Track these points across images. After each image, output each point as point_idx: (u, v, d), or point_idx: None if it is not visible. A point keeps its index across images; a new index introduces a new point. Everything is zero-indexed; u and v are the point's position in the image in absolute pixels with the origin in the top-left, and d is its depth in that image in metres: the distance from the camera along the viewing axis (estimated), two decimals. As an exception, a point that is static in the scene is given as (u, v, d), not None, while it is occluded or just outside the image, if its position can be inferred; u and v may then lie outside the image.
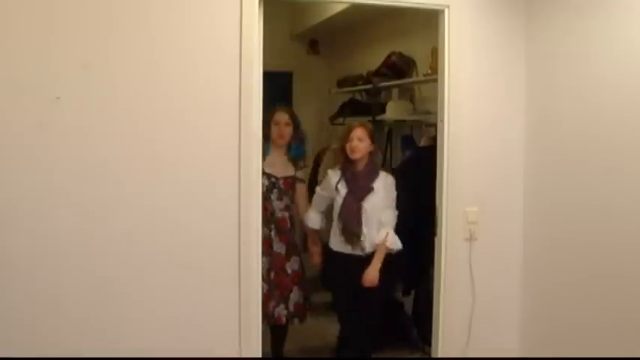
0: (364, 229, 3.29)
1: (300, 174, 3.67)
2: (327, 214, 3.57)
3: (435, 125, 3.36)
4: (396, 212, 3.34)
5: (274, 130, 3.56)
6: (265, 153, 3.25)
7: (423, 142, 3.92)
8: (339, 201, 3.38)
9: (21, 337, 2.60)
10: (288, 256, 3.59)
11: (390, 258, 3.32)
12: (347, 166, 3.40)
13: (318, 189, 3.59)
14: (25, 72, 2.56)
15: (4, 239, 2.57)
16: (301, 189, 3.67)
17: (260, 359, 2.59)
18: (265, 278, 3.36)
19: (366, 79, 4.74)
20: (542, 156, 3.21)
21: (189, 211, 2.79)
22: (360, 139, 3.30)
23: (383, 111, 4.41)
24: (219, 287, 2.85)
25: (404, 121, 4.31)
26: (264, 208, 3.21)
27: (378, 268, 3.26)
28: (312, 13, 5.17)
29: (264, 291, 3.26)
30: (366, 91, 4.92)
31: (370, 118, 4.62)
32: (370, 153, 3.39)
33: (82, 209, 2.64)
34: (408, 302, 4.15)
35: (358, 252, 3.32)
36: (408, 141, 4.29)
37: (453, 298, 3.20)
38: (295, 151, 3.65)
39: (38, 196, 2.59)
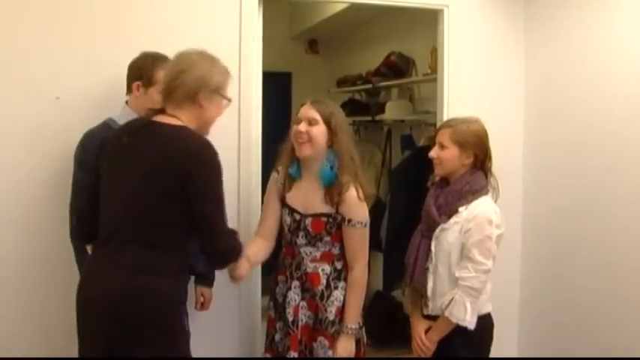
0: (429, 282, 2.38)
1: (351, 211, 2.32)
2: None
3: (434, 125, 3.37)
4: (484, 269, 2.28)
5: (292, 133, 2.36)
6: (293, 175, 2.42)
7: (422, 142, 3.92)
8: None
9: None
10: (314, 333, 2.37)
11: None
12: (442, 181, 2.46)
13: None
14: (25, 72, 2.56)
15: (5, 238, 2.57)
16: (352, 235, 2.36)
17: (259, 359, 2.59)
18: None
19: (366, 78, 4.74)
20: (541, 154, 3.22)
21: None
22: None
23: (382, 111, 4.41)
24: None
25: (403, 120, 4.32)
26: (289, 253, 2.46)
27: (435, 340, 2.37)
28: (311, 12, 5.17)
29: None
30: (366, 90, 4.93)
31: (370, 118, 4.64)
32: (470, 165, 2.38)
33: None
34: (408, 302, 4.15)
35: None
36: (408, 141, 4.29)
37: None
38: (325, 174, 2.34)
39: (37, 196, 2.59)
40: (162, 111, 2.04)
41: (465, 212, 2.30)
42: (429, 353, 2.37)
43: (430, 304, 2.38)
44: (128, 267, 1.90)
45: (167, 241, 1.95)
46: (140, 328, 1.89)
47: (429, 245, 2.36)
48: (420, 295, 2.43)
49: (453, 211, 2.32)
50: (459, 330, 2.29)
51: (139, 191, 1.93)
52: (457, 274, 2.28)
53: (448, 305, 2.28)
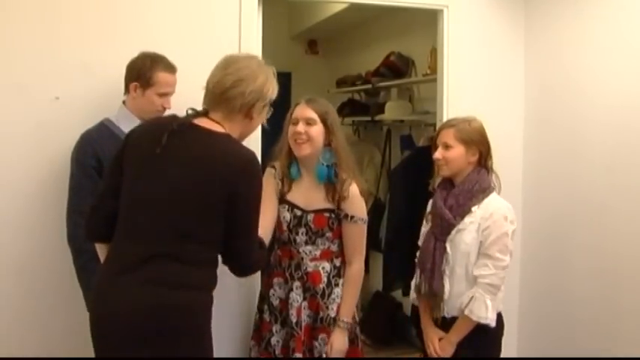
0: (446, 284, 2.35)
1: (353, 207, 2.36)
2: None
3: (433, 125, 3.37)
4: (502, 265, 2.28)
5: (290, 134, 2.37)
6: (293, 176, 2.42)
7: (421, 142, 3.92)
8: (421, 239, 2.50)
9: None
10: (315, 331, 2.38)
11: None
12: (446, 183, 2.46)
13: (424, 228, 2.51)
14: (24, 72, 2.56)
15: (4, 239, 2.57)
16: (352, 231, 2.39)
17: (259, 359, 2.58)
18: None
19: (365, 79, 4.74)
20: (540, 155, 3.22)
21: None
22: None
23: (382, 111, 4.41)
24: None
25: (402, 121, 4.32)
26: (286, 254, 2.43)
27: (454, 342, 2.34)
28: (310, 12, 5.17)
29: None
30: (365, 91, 4.93)
31: (369, 119, 4.64)
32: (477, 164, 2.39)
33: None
34: (407, 302, 4.15)
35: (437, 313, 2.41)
36: (407, 141, 4.29)
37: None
38: (321, 172, 2.37)
39: (36, 196, 2.59)
40: (203, 113, 1.92)
41: (478, 211, 2.31)
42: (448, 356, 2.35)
43: (445, 306, 2.35)
44: (154, 282, 1.75)
45: (201, 254, 1.82)
46: (171, 346, 1.76)
47: (445, 248, 2.35)
48: (432, 299, 2.40)
49: (466, 212, 2.32)
50: (477, 328, 2.29)
51: (174, 199, 1.79)
52: (476, 273, 2.27)
53: (468, 304, 2.27)
